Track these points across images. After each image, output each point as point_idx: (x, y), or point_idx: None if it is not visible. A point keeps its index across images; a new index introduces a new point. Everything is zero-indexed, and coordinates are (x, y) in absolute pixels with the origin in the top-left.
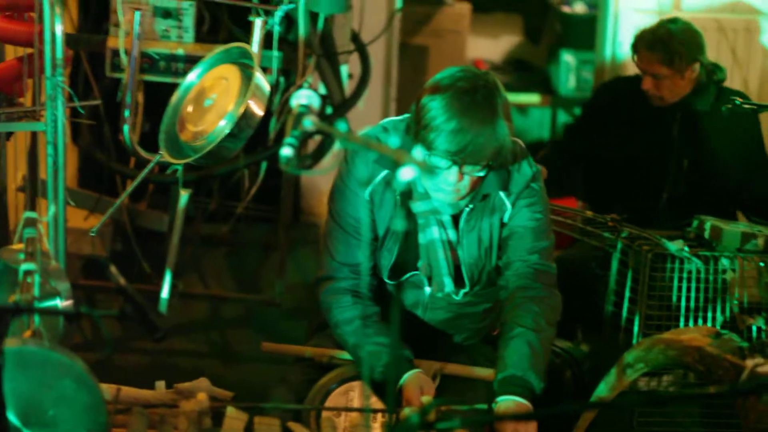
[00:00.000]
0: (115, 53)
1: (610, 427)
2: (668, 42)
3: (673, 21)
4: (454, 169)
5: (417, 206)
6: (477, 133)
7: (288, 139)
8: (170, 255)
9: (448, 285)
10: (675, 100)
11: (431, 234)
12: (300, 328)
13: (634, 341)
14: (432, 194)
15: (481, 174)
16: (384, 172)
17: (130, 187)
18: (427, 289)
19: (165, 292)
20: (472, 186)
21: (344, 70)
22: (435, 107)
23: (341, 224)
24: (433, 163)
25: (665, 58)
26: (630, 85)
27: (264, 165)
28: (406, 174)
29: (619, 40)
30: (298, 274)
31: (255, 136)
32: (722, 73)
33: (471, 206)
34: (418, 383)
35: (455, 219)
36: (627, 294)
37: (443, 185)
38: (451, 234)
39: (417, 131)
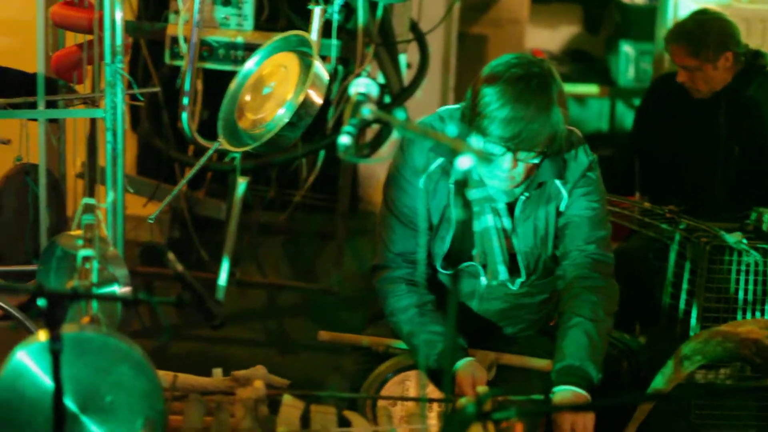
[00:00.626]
0: (175, 41)
1: (667, 419)
2: (694, 34)
3: (702, 12)
4: (509, 156)
5: (472, 193)
6: (530, 120)
7: (346, 128)
8: (228, 243)
9: (502, 273)
10: (716, 89)
11: (486, 221)
12: (357, 317)
13: (692, 333)
14: (487, 181)
15: (536, 161)
16: (439, 160)
17: (189, 174)
18: (483, 280)
19: (222, 280)
20: (526, 173)
21: (403, 59)
22: (489, 94)
23: (396, 213)
24: (487, 150)
25: (692, 50)
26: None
27: (322, 154)
28: (463, 163)
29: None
30: (356, 263)
31: (313, 125)
32: (765, 58)
33: (527, 194)
34: (470, 371)
35: (510, 207)
36: (685, 286)
37: (498, 172)
38: (506, 222)
39: (472, 118)
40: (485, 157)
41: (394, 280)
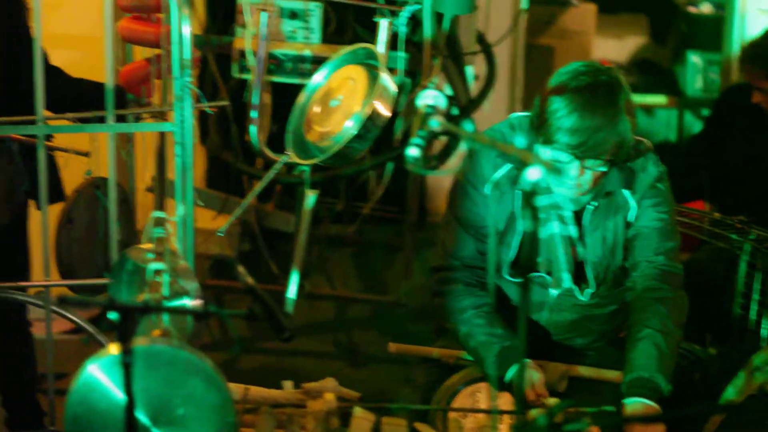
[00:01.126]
0: (243, 54)
1: (739, 431)
2: None
3: None
4: (576, 164)
5: (538, 200)
6: (598, 128)
7: (414, 140)
8: (297, 255)
9: (566, 280)
10: None
11: (551, 228)
12: (426, 329)
13: (763, 344)
14: (554, 189)
15: (603, 169)
16: (506, 167)
17: (258, 187)
18: (553, 290)
19: (291, 293)
20: (594, 181)
21: (470, 71)
22: (556, 101)
23: (458, 218)
24: (555, 157)
25: (766, 73)
26: (749, 91)
27: (390, 166)
28: (532, 174)
29: (746, 41)
30: (424, 275)
31: (381, 137)
32: None
33: (595, 204)
34: (527, 374)
35: (577, 216)
36: (755, 296)
37: (566, 180)
38: (572, 230)
39: (539, 126)
40: (554, 169)
41: (453, 281)
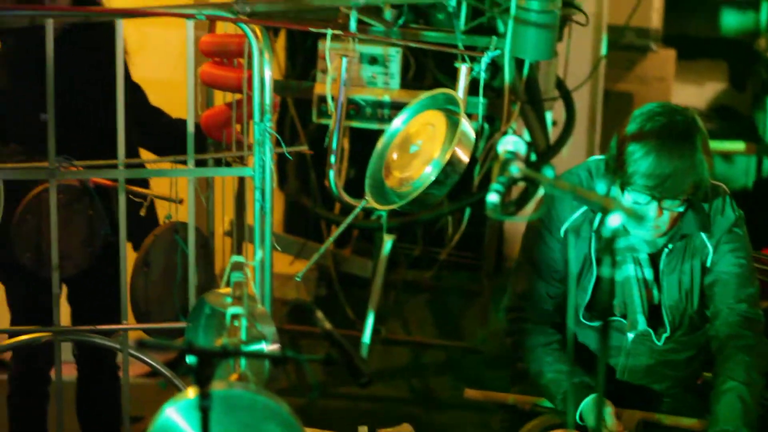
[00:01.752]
0: (322, 99)
1: None
2: None
3: None
4: (654, 205)
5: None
6: (675, 168)
7: (494, 186)
8: (372, 300)
9: (641, 323)
10: None
11: (627, 271)
12: (502, 375)
13: None
14: (631, 231)
15: (681, 209)
16: (582, 209)
17: (336, 232)
18: (630, 335)
19: (366, 337)
20: (671, 222)
21: (548, 116)
22: (633, 143)
23: (530, 260)
24: (633, 199)
25: None
26: None
27: (468, 211)
28: (614, 221)
29: None
30: (499, 319)
31: (459, 182)
32: None
33: (670, 246)
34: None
35: (653, 259)
36: None
37: (645, 222)
38: (648, 273)
39: (616, 169)
40: (635, 215)
41: (523, 321)
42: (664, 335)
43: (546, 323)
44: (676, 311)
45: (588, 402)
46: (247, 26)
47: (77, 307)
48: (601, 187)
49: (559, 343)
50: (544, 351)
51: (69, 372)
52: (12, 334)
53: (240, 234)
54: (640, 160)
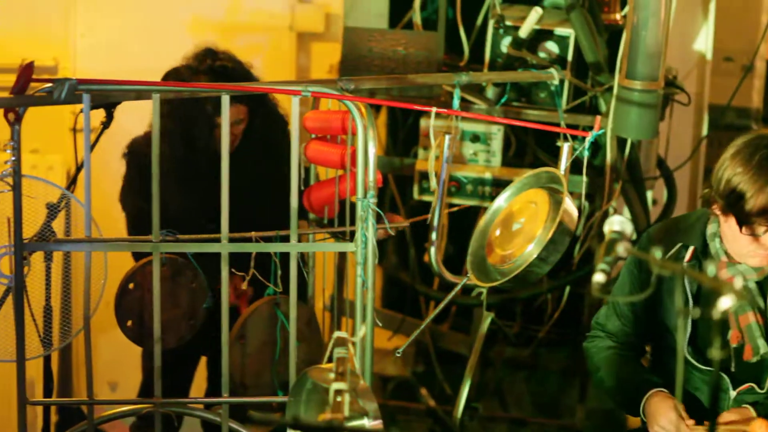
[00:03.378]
0: (424, 176)
1: None
2: None
3: None
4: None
5: (723, 273)
6: None
7: (601, 266)
8: (467, 377)
9: (763, 347)
10: None
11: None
12: None
13: None
14: (738, 259)
15: None
16: (676, 247)
17: (437, 308)
18: (732, 393)
19: (459, 412)
20: None
21: (648, 195)
22: (740, 174)
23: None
24: (747, 232)
25: None
26: None
27: (567, 289)
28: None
29: None
30: (599, 400)
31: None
32: None
33: None
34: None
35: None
36: None
37: (760, 250)
38: (759, 300)
39: (725, 205)
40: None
41: (598, 340)
42: None
43: (618, 346)
44: None
45: (651, 394)
46: (352, 103)
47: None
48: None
49: (624, 351)
50: (607, 357)
51: None
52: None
53: (339, 309)
54: (757, 191)
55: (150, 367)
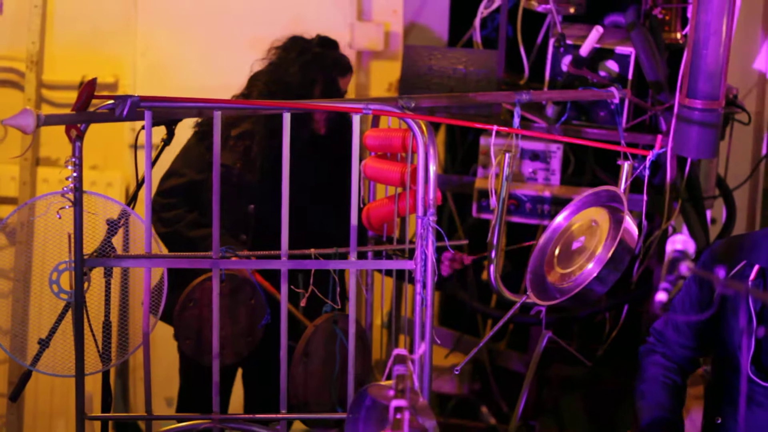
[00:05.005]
0: (483, 194)
1: None
2: None
3: None
4: None
5: None
6: None
7: (663, 284)
8: (521, 395)
9: None
10: None
11: None
12: None
13: None
14: None
15: None
16: (740, 264)
17: (496, 326)
18: None
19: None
20: None
21: (707, 214)
22: None
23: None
24: None
25: None
26: None
27: (625, 308)
28: None
29: None
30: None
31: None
32: None
33: None
34: None
35: None
36: None
37: None
38: None
39: None
40: None
41: (654, 352)
42: None
43: (670, 363)
44: None
45: None
46: (413, 121)
47: (249, 391)
48: None
49: (670, 377)
50: (653, 377)
51: None
52: (178, 420)
53: (397, 326)
54: None
55: (190, 379)
